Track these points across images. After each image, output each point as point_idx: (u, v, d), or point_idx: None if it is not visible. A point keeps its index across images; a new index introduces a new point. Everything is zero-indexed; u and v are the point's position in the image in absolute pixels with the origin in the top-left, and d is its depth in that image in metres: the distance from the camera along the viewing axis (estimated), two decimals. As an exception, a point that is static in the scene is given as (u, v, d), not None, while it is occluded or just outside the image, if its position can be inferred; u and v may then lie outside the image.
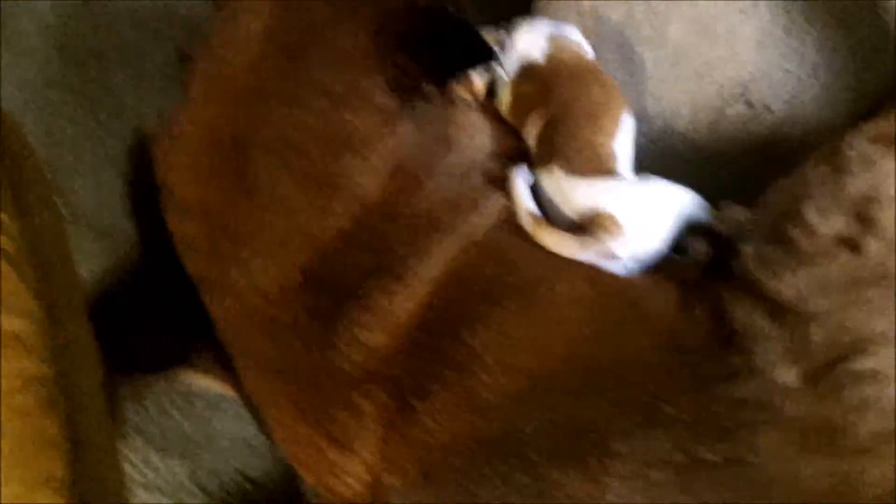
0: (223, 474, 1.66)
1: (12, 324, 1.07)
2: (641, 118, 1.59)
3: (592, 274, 1.37)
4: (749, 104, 1.59)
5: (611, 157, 1.46)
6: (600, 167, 1.44)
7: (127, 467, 1.66)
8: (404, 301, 1.31)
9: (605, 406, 1.24)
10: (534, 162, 1.48)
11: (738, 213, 1.46)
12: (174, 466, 1.67)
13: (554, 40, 1.54)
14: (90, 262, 1.70)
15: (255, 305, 1.36)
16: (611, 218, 1.39)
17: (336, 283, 1.34)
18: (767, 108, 1.58)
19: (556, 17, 1.61)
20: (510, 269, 1.36)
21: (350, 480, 1.32)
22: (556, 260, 1.38)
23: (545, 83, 1.51)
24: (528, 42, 1.54)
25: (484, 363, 1.27)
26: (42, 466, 0.99)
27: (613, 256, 1.39)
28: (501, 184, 1.45)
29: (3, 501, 0.95)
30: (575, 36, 1.57)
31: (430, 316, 1.31)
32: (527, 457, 1.23)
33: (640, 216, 1.41)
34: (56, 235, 1.33)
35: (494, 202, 1.42)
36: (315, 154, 1.38)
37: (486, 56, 1.42)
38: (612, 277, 1.38)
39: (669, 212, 1.44)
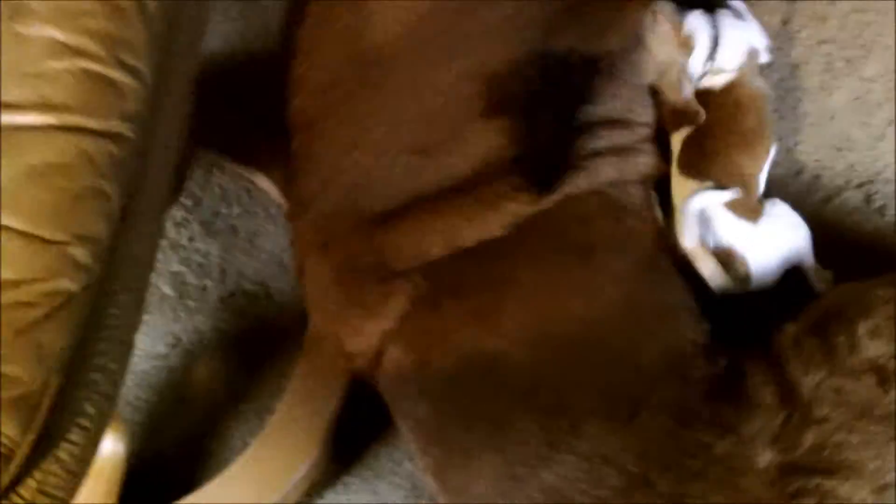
0: (248, 278, 1.73)
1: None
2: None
3: (653, 267, 1.41)
4: (867, 198, 1.60)
5: (756, 187, 1.49)
6: (748, 201, 1.47)
7: (171, 229, 1.76)
8: (478, 230, 1.35)
9: (595, 387, 1.29)
10: (670, 161, 1.51)
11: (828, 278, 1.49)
12: (210, 249, 1.75)
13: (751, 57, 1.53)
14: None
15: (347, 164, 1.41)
16: (743, 263, 1.45)
17: (416, 188, 1.37)
18: (881, 210, 1.59)
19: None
20: (585, 226, 1.39)
21: (361, 338, 1.39)
22: (628, 237, 1.41)
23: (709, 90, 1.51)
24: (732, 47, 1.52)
25: (518, 294, 1.33)
26: (82, 221, 1.04)
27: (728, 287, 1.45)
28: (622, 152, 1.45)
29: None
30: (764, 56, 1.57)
31: (495, 242, 1.35)
32: (506, 392, 1.30)
33: (769, 258, 1.46)
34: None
35: (604, 167, 1.42)
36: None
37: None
38: (670, 280, 1.42)
39: (792, 252, 1.48)
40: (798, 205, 1.58)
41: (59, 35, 1.06)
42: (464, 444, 1.31)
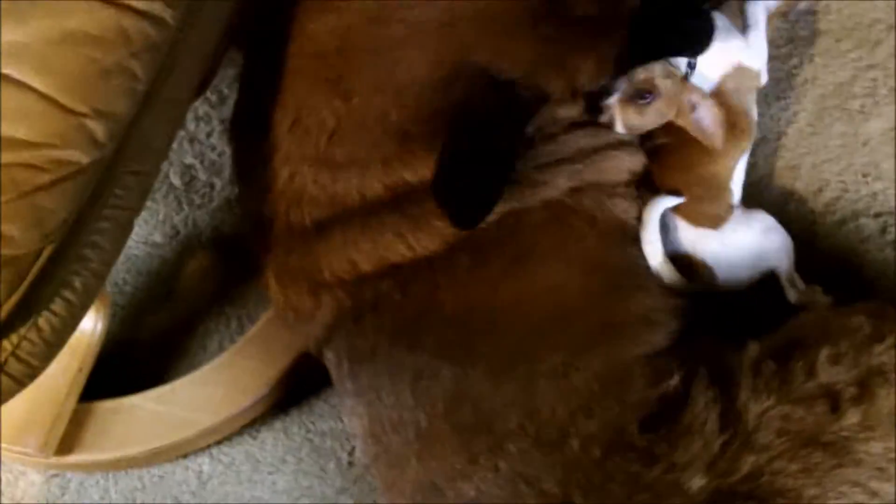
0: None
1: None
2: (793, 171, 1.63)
3: (598, 274, 1.37)
4: (883, 229, 1.59)
5: (727, 195, 1.48)
6: (711, 208, 1.47)
7: (191, 122, 1.76)
8: (409, 249, 1.31)
9: (523, 407, 1.26)
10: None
11: (817, 295, 1.47)
12: (226, 149, 1.71)
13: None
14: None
15: None
16: (706, 267, 1.45)
17: (349, 205, 1.33)
18: (894, 244, 1.58)
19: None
20: (519, 237, 1.33)
21: (300, 337, 1.41)
22: (571, 246, 1.36)
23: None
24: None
25: (441, 308, 1.31)
26: (106, 96, 1.04)
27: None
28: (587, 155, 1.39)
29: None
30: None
31: (426, 260, 1.32)
32: (429, 405, 1.29)
33: (735, 262, 1.46)
34: None
35: (559, 180, 1.36)
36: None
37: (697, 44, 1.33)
38: (620, 287, 1.38)
39: (763, 258, 1.47)
40: (812, 222, 1.60)
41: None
42: (392, 445, 1.31)
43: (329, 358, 1.37)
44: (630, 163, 1.43)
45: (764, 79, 1.52)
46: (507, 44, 1.28)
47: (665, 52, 1.36)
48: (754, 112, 1.51)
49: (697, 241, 1.46)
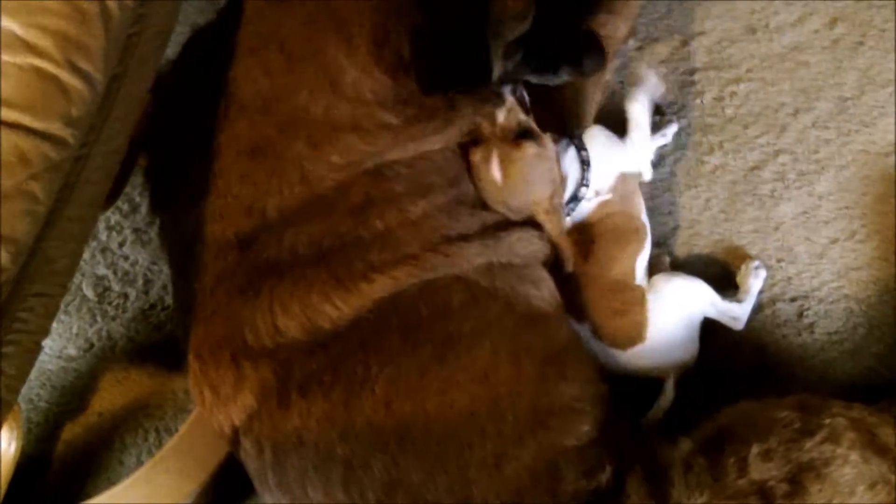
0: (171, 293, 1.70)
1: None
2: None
3: (521, 360, 1.35)
4: (800, 313, 1.61)
5: (633, 276, 1.54)
6: (628, 320, 1.52)
7: (102, 232, 1.74)
8: (336, 309, 1.29)
9: (453, 497, 1.25)
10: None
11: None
12: (139, 258, 1.72)
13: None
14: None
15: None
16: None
17: (273, 259, 1.31)
18: (811, 327, 1.60)
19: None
20: (445, 320, 1.33)
21: (216, 422, 1.34)
22: (494, 331, 1.35)
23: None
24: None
25: (373, 392, 1.27)
26: (6, 221, 1.02)
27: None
28: (492, 233, 1.41)
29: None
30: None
31: (351, 331, 1.30)
32: (356, 489, 1.26)
33: (674, 342, 1.52)
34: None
35: (471, 253, 1.37)
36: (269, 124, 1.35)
37: (480, 80, 1.34)
38: (547, 375, 1.36)
39: (691, 320, 1.54)
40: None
41: (17, 29, 1.04)
42: None
43: (247, 449, 1.32)
44: (537, 246, 1.44)
45: (647, 176, 1.57)
46: None
47: (560, 61, 1.41)
48: (642, 211, 1.57)
49: (632, 359, 1.51)
